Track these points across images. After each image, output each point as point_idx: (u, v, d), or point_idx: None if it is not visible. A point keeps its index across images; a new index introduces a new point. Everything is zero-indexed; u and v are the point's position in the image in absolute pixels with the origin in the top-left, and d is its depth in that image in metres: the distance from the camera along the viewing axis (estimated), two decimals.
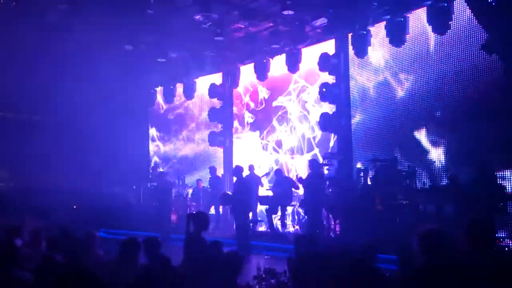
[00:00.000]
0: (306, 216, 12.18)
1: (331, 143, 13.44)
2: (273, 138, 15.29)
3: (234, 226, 10.98)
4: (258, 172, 14.51)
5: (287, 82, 14.94)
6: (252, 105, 16.03)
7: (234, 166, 12.07)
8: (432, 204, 9.78)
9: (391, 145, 11.66)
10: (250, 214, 11.81)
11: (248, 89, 16.12)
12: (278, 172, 13.14)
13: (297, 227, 13.23)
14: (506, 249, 8.71)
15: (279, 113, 15.11)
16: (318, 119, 12.69)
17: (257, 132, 15.77)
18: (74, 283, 2.29)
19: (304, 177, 11.89)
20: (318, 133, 13.92)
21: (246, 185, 11.01)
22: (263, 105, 15.67)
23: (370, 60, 12.23)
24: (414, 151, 11.20)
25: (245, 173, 12.27)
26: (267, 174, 14.49)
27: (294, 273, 4.56)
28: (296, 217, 13.50)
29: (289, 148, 14.78)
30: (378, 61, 12.20)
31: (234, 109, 16.30)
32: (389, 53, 11.90)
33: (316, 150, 13.95)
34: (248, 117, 16.10)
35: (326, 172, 11.98)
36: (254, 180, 13.01)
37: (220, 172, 15.44)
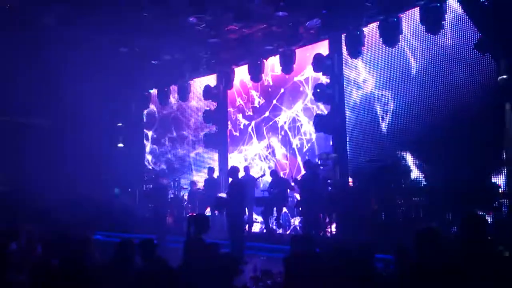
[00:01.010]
0: (302, 217, 12.20)
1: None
2: (265, 143, 15.27)
3: (228, 227, 10.98)
4: (254, 173, 14.54)
5: (280, 87, 14.92)
6: (245, 108, 15.99)
7: (229, 167, 12.05)
8: (426, 203, 9.81)
9: (387, 145, 11.70)
10: (246, 215, 11.82)
11: (241, 92, 16.06)
12: (274, 173, 13.14)
13: (293, 226, 13.25)
14: (501, 246, 8.75)
15: (271, 122, 15.10)
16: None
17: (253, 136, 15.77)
18: (69, 285, 2.29)
19: (299, 178, 11.92)
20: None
21: (241, 186, 11.01)
22: (258, 107, 15.63)
23: (364, 60, 12.27)
24: (410, 150, 11.22)
25: (241, 174, 12.26)
26: (263, 176, 14.49)
27: (290, 273, 4.57)
28: (290, 218, 13.52)
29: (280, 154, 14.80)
30: (371, 61, 12.23)
31: (231, 110, 16.25)
32: (382, 54, 11.93)
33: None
34: (242, 120, 16.07)
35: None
36: (249, 182, 13.02)
37: (215, 173, 15.44)
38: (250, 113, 15.65)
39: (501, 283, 3.34)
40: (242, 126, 15.91)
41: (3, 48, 12.83)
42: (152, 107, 18.73)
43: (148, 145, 19.05)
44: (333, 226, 11.42)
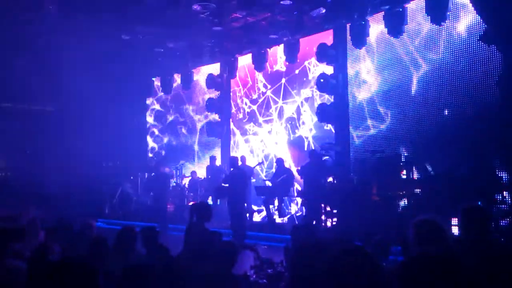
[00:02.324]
0: (303, 207, 12.20)
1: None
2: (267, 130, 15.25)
3: (230, 216, 11.01)
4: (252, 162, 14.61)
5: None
6: (250, 94, 15.94)
7: (229, 157, 12.07)
8: (428, 194, 9.78)
9: (390, 136, 11.67)
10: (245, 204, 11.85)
11: (246, 78, 15.99)
12: (280, 162, 12.99)
13: (292, 215, 13.25)
14: (502, 239, 8.74)
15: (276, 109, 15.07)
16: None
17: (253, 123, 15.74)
18: (68, 272, 2.29)
19: (300, 168, 11.92)
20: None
21: (243, 175, 11.02)
22: (261, 97, 15.58)
23: (368, 50, 12.20)
24: (412, 141, 11.19)
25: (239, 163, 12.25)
26: (260, 164, 14.49)
27: (291, 262, 4.57)
28: (291, 207, 13.53)
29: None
30: (376, 51, 12.15)
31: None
32: (388, 43, 11.86)
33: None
34: (246, 106, 16.02)
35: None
36: (247, 171, 12.99)
37: (218, 162, 15.49)
38: (255, 96, 15.60)
39: (501, 274, 3.34)
40: (247, 110, 15.84)
41: (5, 35, 12.80)
42: (155, 93, 18.72)
43: (151, 133, 19.08)
44: (334, 216, 11.41)
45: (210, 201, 14.15)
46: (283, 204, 12.89)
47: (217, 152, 16.03)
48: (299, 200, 13.18)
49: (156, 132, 18.93)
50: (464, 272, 2.28)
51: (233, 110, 16.16)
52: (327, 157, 12.03)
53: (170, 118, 18.49)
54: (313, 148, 13.23)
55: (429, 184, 9.82)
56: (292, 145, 14.34)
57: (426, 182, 10.02)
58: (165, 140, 18.56)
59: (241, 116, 15.99)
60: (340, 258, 2.64)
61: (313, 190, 11.14)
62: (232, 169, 11.16)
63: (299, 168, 12.06)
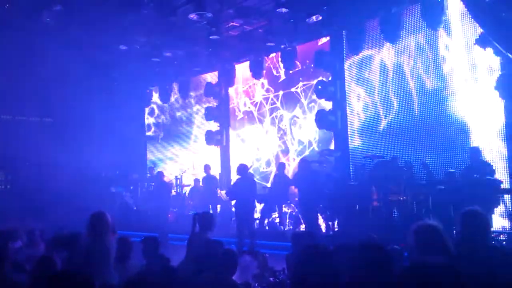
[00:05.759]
0: (301, 216, 12.10)
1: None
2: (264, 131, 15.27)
3: (236, 224, 10.97)
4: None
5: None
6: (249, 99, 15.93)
7: (238, 164, 11.93)
8: (429, 199, 9.76)
9: (389, 141, 11.67)
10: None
11: (245, 82, 15.98)
12: (281, 167, 12.73)
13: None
14: (504, 242, 8.73)
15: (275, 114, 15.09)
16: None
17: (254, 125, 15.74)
18: (68, 282, 2.28)
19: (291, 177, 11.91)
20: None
21: (252, 183, 11.02)
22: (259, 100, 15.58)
23: (365, 56, 12.24)
24: (412, 146, 11.20)
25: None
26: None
27: (293, 268, 4.56)
28: (288, 215, 13.50)
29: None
30: (373, 57, 12.19)
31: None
32: (385, 49, 11.90)
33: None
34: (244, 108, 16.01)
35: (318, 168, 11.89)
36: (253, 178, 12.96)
37: (217, 170, 15.46)
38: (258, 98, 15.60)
39: (500, 279, 3.33)
40: (244, 109, 15.83)
41: (3, 48, 12.81)
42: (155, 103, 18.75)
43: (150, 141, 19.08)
44: (335, 223, 11.37)
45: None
46: (283, 211, 12.87)
47: (213, 160, 15.99)
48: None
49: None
50: (461, 283, 2.25)
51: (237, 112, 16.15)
52: (324, 164, 11.98)
53: (168, 126, 18.53)
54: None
55: (430, 189, 9.79)
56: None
57: (427, 187, 9.99)
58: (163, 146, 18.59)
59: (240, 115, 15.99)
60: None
61: (309, 198, 11.07)
62: (240, 176, 11.10)
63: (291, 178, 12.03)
